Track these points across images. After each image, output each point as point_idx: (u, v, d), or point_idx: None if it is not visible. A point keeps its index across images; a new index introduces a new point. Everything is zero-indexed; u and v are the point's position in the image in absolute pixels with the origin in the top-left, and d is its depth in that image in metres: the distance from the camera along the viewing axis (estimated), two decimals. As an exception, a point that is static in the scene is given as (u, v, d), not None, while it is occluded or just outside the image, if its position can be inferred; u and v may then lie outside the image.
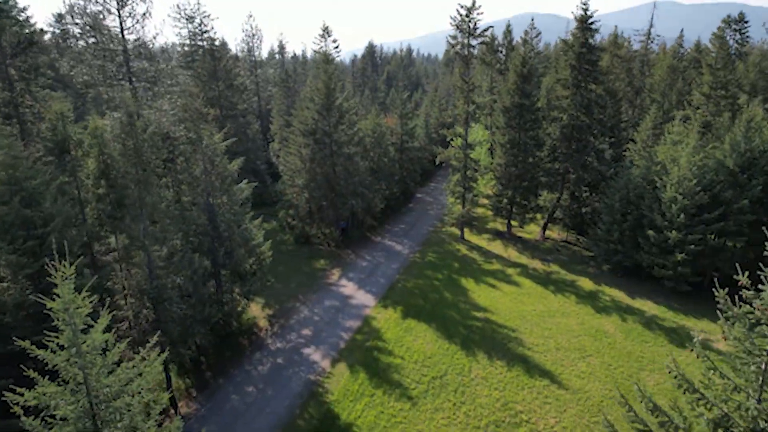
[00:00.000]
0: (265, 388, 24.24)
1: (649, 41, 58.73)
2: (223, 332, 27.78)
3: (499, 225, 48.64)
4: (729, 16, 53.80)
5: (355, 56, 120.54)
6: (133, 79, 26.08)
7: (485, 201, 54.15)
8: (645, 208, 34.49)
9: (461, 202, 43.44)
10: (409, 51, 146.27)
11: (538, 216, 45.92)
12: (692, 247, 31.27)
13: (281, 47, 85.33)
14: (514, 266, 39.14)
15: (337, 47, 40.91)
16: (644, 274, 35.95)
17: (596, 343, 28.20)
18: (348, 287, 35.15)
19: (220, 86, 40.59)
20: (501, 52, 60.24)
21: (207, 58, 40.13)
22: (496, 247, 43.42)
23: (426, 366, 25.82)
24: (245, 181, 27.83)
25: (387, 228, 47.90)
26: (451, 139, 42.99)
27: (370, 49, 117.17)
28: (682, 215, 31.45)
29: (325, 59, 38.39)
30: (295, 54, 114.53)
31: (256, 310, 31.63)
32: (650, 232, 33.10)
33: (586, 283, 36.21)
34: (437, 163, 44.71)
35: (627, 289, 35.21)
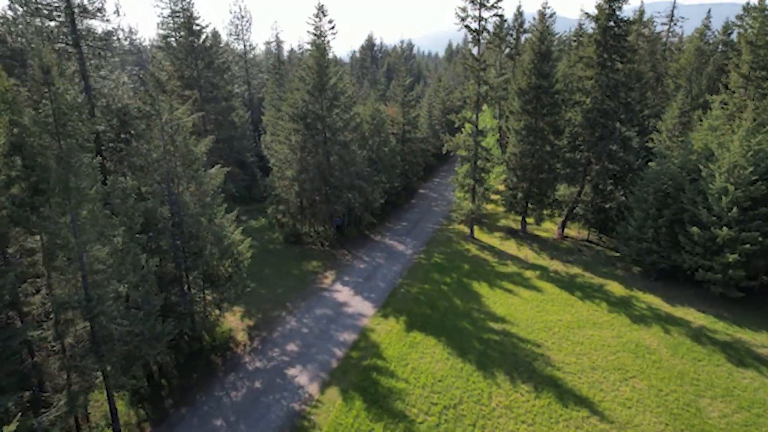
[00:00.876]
0: (238, 421, 19.55)
1: (672, 23, 54.10)
2: (190, 349, 23.13)
3: (512, 222, 43.98)
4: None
5: (354, 52, 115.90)
6: (81, 43, 21.54)
7: (495, 196, 49.55)
8: (686, 202, 29.84)
9: (471, 196, 38.79)
10: (410, 45, 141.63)
11: (547, 212, 41.02)
12: (747, 246, 26.59)
13: (277, 39, 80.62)
14: (533, 268, 34.47)
15: (332, 27, 36.25)
16: (683, 277, 31.32)
17: (638, 361, 23.53)
18: (343, 293, 30.48)
19: (199, 65, 35.97)
20: (511, 35, 55.62)
21: (183, 32, 35.44)
22: (510, 246, 38.75)
23: (436, 392, 21.14)
24: (217, 166, 23.15)
25: (387, 226, 43.25)
26: (459, 126, 38.32)
27: (370, 41, 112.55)
28: (734, 209, 26.79)
29: (317, 33, 33.72)
30: (292, 49, 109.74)
31: (234, 321, 26.97)
32: (694, 229, 28.44)
33: (615, 288, 31.55)
34: (444, 152, 40.04)
35: (664, 294, 30.56)
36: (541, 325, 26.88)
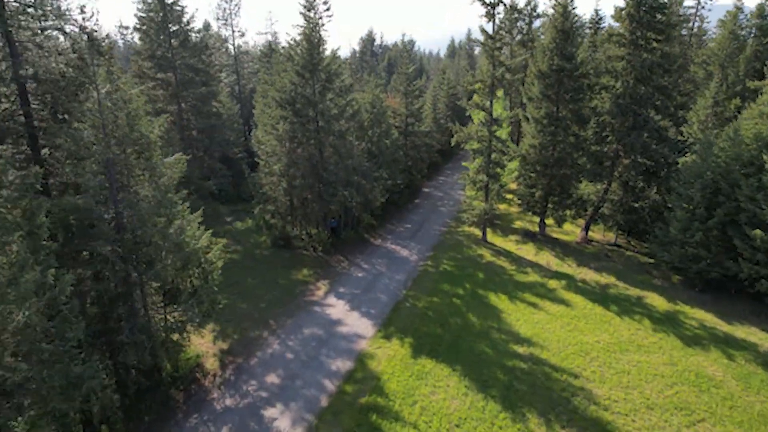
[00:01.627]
0: (194, 486, 14.91)
1: (700, 6, 49.51)
2: (144, 383, 18.46)
3: (528, 224, 39.35)
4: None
5: (355, 51, 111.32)
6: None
7: (508, 195, 44.96)
8: (744, 199, 25.21)
9: (484, 194, 34.14)
10: (412, 42, 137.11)
11: (569, 212, 36.08)
12: (825, 252, 21.98)
13: (272, 31, 76.14)
14: (557, 277, 29.83)
15: (328, 9, 31.57)
16: (736, 289, 26.74)
17: (704, 397, 18.86)
18: (337, 307, 25.83)
19: (173, 43, 31.37)
20: (524, 20, 51.01)
21: (154, 4, 30.80)
22: (529, 251, 34.09)
23: (453, 442, 16.50)
24: (178, 154, 18.48)
25: (389, 228, 38.60)
26: (467, 117, 33.69)
27: (370, 36, 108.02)
28: (810, 208, 22.20)
29: (307, 5, 29.09)
30: (289, 44, 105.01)
31: (204, 344, 22.31)
32: (756, 232, 23.82)
33: (657, 301, 26.92)
34: (453, 143, 35.39)
35: (715, 309, 25.94)
36: (576, 348, 22.22)
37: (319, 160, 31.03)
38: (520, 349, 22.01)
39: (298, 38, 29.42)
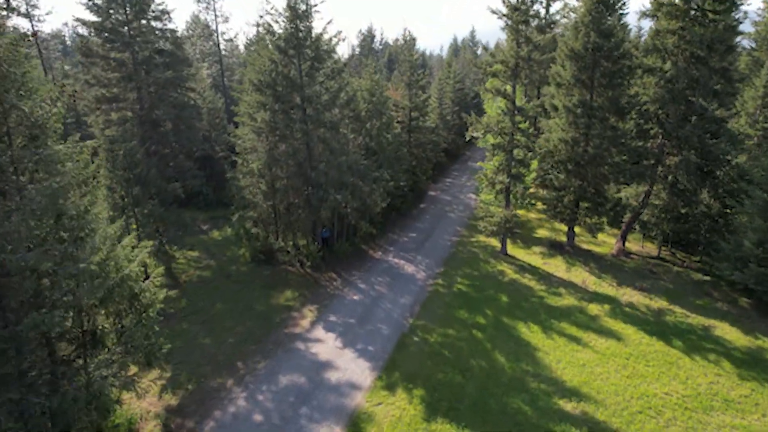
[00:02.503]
0: None
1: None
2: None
3: (553, 232, 33.81)
4: None
5: (354, 48, 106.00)
6: None
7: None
8: None
9: (505, 198, 28.60)
10: (413, 38, 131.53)
11: (605, 219, 30.37)
12: None
13: (264, 23, 70.74)
14: (597, 300, 24.30)
15: None
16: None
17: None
18: (326, 343, 20.26)
19: (128, 14, 25.87)
20: (541, 2, 45.52)
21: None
22: (558, 266, 28.55)
23: None
24: (90, 142, 12.93)
25: (391, 237, 33.05)
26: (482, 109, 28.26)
27: (370, 31, 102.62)
28: None
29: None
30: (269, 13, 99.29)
31: (146, 400, 16.69)
32: None
33: (730, 333, 21.36)
34: (468, 136, 29.99)
35: (808, 344, 20.39)
36: (641, 403, 16.66)
37: (307, 157, 25.53)
38: (568, 406, 16.43)
39: (280, 8, 23.94)
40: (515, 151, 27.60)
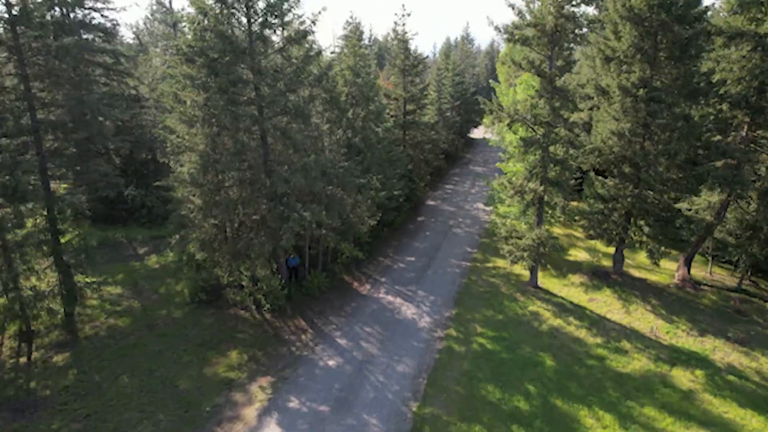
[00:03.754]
0: None
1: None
2: None
3: (590, 253, 26.30)
4: None
5: (335, 38, 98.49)
6: None
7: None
8: None
9: (537, 213, 21.03)
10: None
11: (642, 238, 22.74)
12: None
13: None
14: (681, 360, 16.85)
15: None
16: None
17: None
18: (278, 458, 12.47)
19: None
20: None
21: None
22: (609, 304, 21.03)
23: None
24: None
25: (383, 263, 25.33)
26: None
27: (357, 29, 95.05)
28: None
29: None
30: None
31: None
32: None
33: None
34: (487, 123, 22.60)
35: None
36: None
37: (260, 157, 17.78)
38: None
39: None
40: (553, 148, 20.09)
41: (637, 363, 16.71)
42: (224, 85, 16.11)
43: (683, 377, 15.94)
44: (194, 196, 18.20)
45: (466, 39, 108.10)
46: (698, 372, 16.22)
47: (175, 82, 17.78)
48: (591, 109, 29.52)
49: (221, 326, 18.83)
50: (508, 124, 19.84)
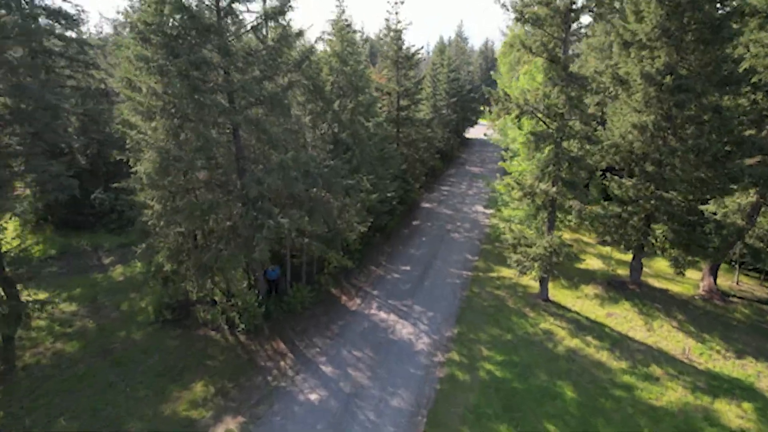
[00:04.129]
0: None
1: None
2: None
3: (602, 260, 23.89)
4: None
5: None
6: None
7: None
8: None
9: (548, 219, 18.60)
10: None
11: (665, 244, 20.36)
12: None
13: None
14: (723, 389, 14.45)
15: None
16: None
17: None
18: None
19: None
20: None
21: None
22: (630, 319, 18.62)
23: None
24: None
25: (374, 273, 22.77)
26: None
27: (349, 27, 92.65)
28: None
29: None
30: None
31: None
32: None
33: None
34: (492, 114, 20.08)
35: None
36: None
37: (233, 155, 15.20)
38: None
39: None
40: (567, 144, 17.68)
41: (673, 394, 14.28)
42: (185, 68, 13.51)
43: (729, 412, 13.54)
44: (152, 200, 15.56)
45: (460, 37, 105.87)
46: (746, 405, 13.83)
47: (129, 66, 15.15)
48: (598, 104, 27.36)
49: (187, 350, 16.22)
50: (517, 116, 17.37)
